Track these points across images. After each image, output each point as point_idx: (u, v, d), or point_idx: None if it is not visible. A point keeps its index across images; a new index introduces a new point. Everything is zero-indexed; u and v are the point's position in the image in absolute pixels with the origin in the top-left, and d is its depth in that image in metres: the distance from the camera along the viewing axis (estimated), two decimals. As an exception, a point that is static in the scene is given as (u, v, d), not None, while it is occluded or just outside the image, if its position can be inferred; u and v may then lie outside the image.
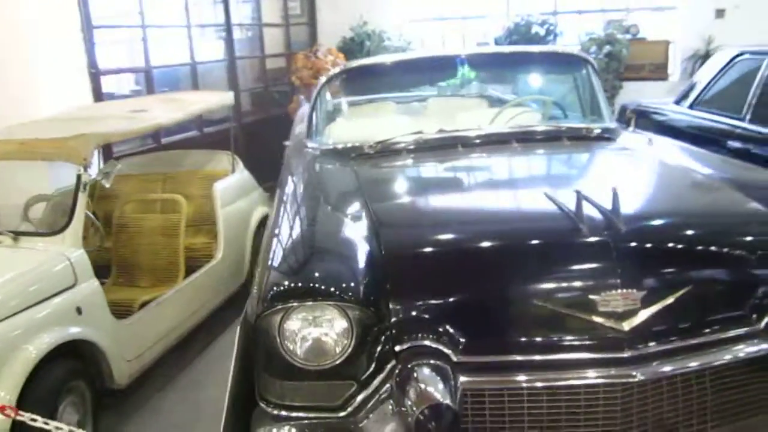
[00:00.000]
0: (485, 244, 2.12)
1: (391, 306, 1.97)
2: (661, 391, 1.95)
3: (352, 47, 8.00)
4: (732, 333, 2.05)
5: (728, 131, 4.74)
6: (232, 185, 4.41)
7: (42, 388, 2.62)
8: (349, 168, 2.99)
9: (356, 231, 2.21)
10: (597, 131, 3.35)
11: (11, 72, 4.67)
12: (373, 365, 1.96)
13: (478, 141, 3.23)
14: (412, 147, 3.19)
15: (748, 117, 4.64)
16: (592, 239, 2.00)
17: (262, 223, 4.56)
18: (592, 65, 3.79)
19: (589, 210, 2.09)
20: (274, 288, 1.95)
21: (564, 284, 1.99)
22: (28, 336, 2.66)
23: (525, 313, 1.99)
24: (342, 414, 1.97)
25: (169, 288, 3.69)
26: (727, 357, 2.00)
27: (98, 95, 5.34)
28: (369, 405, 1.96)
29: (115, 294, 3.56)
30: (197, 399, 3.52)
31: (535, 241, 2.11)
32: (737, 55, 5.02)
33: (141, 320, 3.32)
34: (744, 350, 2.03)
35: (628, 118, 3.94)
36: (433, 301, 2.00)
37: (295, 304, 1.89)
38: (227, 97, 4.80)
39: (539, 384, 1.91)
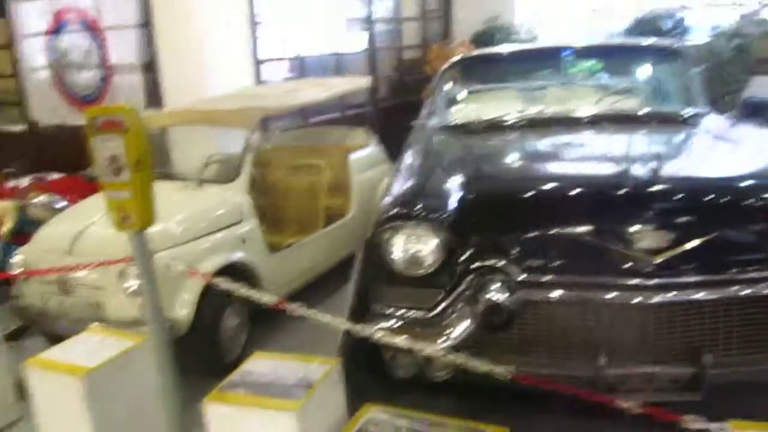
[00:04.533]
0: (551, 192, 2.72)
1: (473, 234, 2.62)
2: (682, 316, 2.44)
3: (484, 39, 8.57)
4: (752, 275, 2.47)
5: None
6: (365, 156, 5.19)
7: (216, 292, 3.49)
8: (459, 139, 3.65)
9: (455, 180, 2.87)
10: (684, 116, 3.76)
11: (191, 61, 5.77)
12: (456, 278, 2.61)
13: (573, 121, 3.74)
14: (514, 125, 3.77)
15: None
16: (636, 190, 2.52)
17: (389, 190, 5.31)
18: (689, 56, 4.17)
19: (638, 169, 2.61)
20: (387, 213, 2.66)
21: (609, 224, 2.52)
22: (209, 254, 3.57)
23: (576, 245, 2.54)
24: (430, 314, 2.63)
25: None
26: (743, 293, 2.43)
27: (258, 80, 6.35)
28: (451, 308, 2.61)
29: (268, 238, 4.46)
30: (327, 326, 4.32)
31: (590, 190, 2.68)
32: None
33: (288, 255, 4.18)
34: (760, 289, 2.44)
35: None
36: (505, 233, 2.62)
37: (400, 223, 2.59)
38: (364, 81, 5.59)
39: (581, 299, 2.48)
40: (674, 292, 2.42)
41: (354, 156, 5.07)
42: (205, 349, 3.58)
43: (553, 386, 2.07)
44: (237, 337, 3.80)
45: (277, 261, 4.07)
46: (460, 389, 2.78)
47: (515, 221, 2.65)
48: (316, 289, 4.66)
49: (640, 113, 3.78)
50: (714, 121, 3.74)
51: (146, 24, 5.92)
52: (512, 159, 3.39)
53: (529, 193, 2.75)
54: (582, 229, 2.56)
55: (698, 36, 7.90)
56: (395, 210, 2.68)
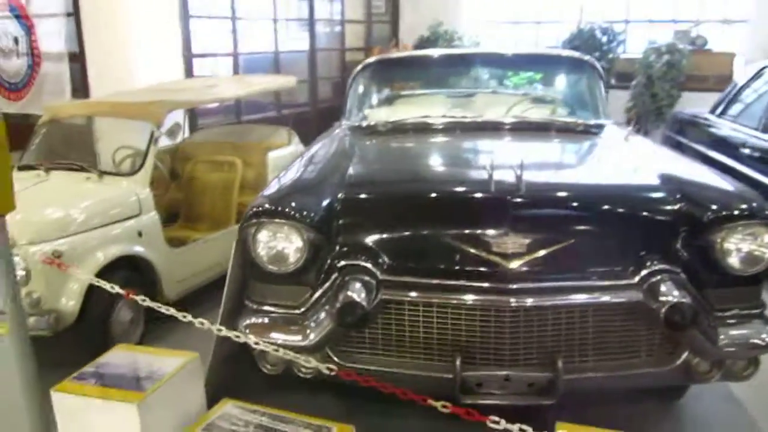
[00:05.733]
0: (417, 196, 2.76)
1: (340, 234, 2.64)
2: (539, 321, 2.48)
3: (427, 45, 8.67)
4: (608, 282, 2.52)
5: (744, 140, 5.02)
6: (284, 155, 5.18)
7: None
8: (361, 140, 3.67)
9: (332, 180, 2.89)
10: (583, 126, 3.83)
11: (117, 52, 5.71)
12: (322, 276, 2.63)
13: (475, 127, 3.79)
14: (417, 128, 3.81)
15: (761, 126, 4.91)
16: (495, 197, 2.56)
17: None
18: (595, 68, 4.26)
19: (503, 176, 2.65)
20: (254, 209, 2.66)
21: (469, 229, 2.56)
22: (103, 245, 3.55)
23: (437, 248, 2.58)
24: (298, 311, 2.65)
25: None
26: (598, 300, 2.49)
27: (190, 74, 6.31)
28: (317, 305, 2.63)
29: (178, 233, 4.44)
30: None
31: (452, 196, 2.73)
32: (764, 68, 5.26)
33: (189, 251, 4.15)
34: (615, 297, 2.50)
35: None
36: (371, 234, 2.64)
37: (264, 220, 2.59)
38: (290, 80, 5.59)
39: (439, 301, 2.51)
40: (531, 297, 2.46)
41: (273, 154, 5.07)
42: (94, 342, 3.52)
43: (376, 384, 2.09)
44: (131, 332, 3.77)
45: (177, 256, 4.05)
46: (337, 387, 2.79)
47: (381, 222, 2.68)
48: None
49: (540, 122, 3.85)
50: (611, 132, 3.81)
51: (74, 13, 5.86)
52: (393, 162, 3.40)
53: (395, 196, 2.79)
54: (444, 232, 2.59)
55: (634, 50, 8.10)
56: (263, 206, 2.68)
